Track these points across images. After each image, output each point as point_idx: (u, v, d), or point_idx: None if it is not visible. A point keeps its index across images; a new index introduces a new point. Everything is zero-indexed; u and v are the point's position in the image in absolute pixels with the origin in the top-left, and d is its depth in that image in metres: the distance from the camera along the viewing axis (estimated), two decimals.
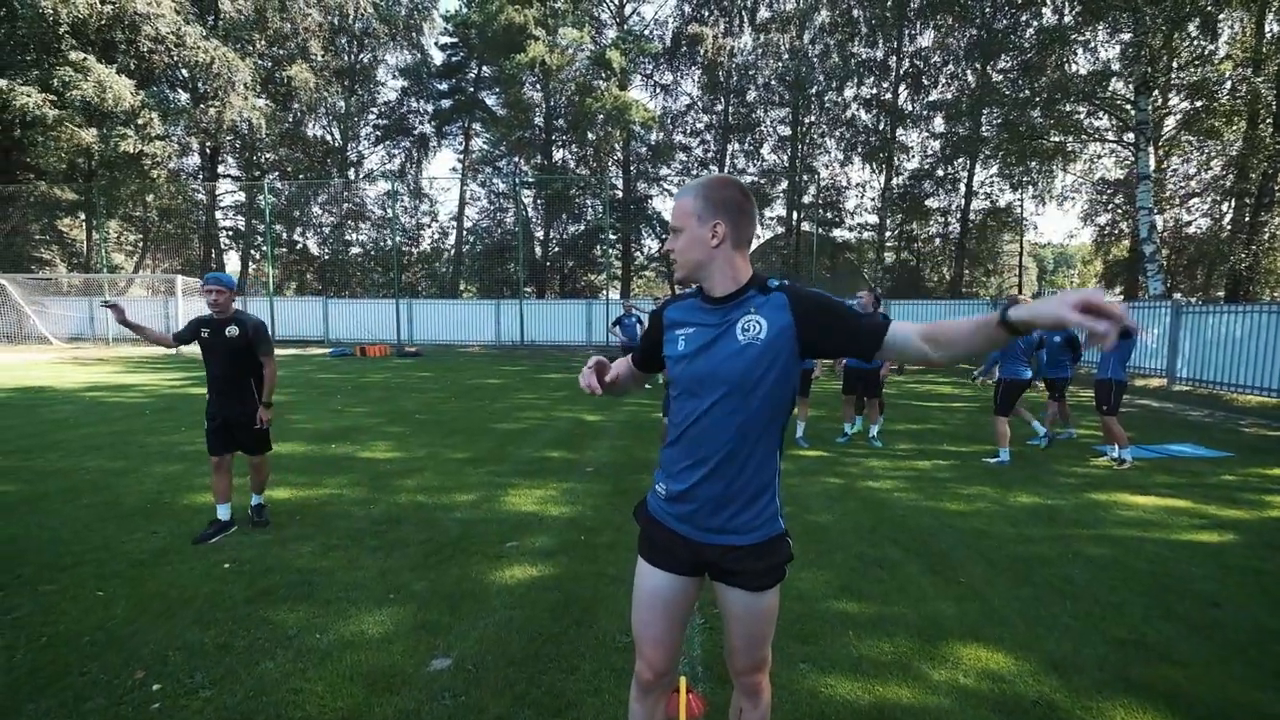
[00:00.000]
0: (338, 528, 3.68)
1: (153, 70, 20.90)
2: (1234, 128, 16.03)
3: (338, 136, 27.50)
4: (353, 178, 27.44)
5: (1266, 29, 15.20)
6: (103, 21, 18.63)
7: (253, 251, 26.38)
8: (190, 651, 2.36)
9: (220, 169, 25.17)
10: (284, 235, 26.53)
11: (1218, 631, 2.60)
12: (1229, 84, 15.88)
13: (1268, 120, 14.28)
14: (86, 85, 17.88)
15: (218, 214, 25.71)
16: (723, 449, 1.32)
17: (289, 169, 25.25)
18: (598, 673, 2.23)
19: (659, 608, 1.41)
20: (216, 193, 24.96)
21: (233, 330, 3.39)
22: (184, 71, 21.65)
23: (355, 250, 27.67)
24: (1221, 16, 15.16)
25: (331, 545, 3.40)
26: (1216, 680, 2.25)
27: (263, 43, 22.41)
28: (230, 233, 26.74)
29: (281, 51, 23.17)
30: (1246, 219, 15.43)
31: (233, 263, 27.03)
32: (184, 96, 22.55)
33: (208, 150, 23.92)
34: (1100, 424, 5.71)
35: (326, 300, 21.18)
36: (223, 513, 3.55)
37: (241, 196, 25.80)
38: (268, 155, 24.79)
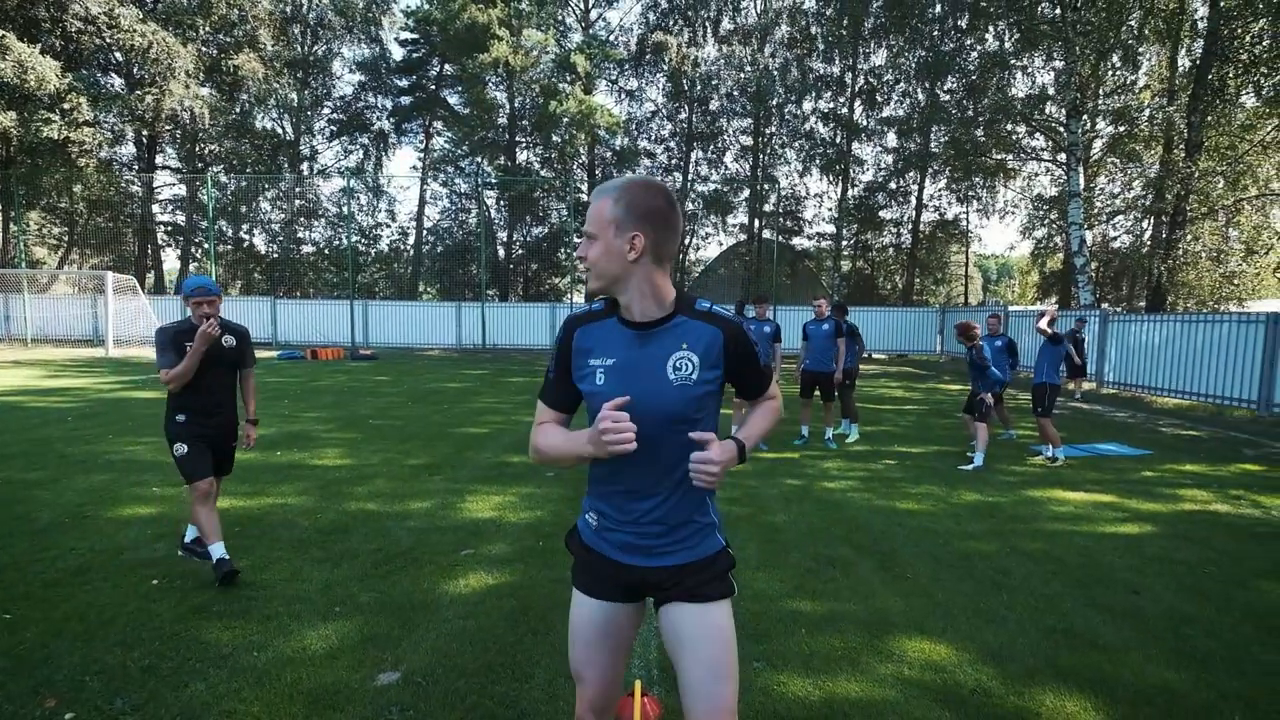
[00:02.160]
0: (281, 539, 3.52)
1: (81, 52, 19.54)
2: (1151, 152, 17.41)
3: (289, 130, 26.39)
4: (306, 173, 26.37)
5: (1178, 63, 16.59)
6: None
7: (193, 249, 24.97)
8: (110, 675, 2.19)
9: (159, 160, 23.71)
10: (228, 232, 25.21)
11: (1137, 618, 2.80)
12: (1147, 112, 17.25)
13: (1180, 146, 15.54)
14: (4, 64, 16.54)
15: (155, 208, 24.20)
16: (657, 482, 1.24)
17: (235, 162, 24.03)
18: (553, 680, 2.21)
19: (599, 640, 1.32)
20: (154, 185, 23.47)
21: (229, 340, 2.98)
22: (118, 55, 20.32)
23: (307, 249, 26.56)
24: (1141, 50, 16.47)
25: (273, 558, 3.24)
26: (1136, 664, 2.41)
27: (207, 29, 21.28)
28: (169, 228, 25.23)
29: (228, 39, 22.05)
30: (1164, 236, 16.74)
31: (170, 260, 25.55)
32: (118, 81, 21.15)
33: (144, 139, 22.51)
34: (1036, 425, 6.06)
35: (275, 300, 20.25)
36: (221, 550, 2.92)
37: (182, 190, 24.38)
38: (211, 147, 23.52)
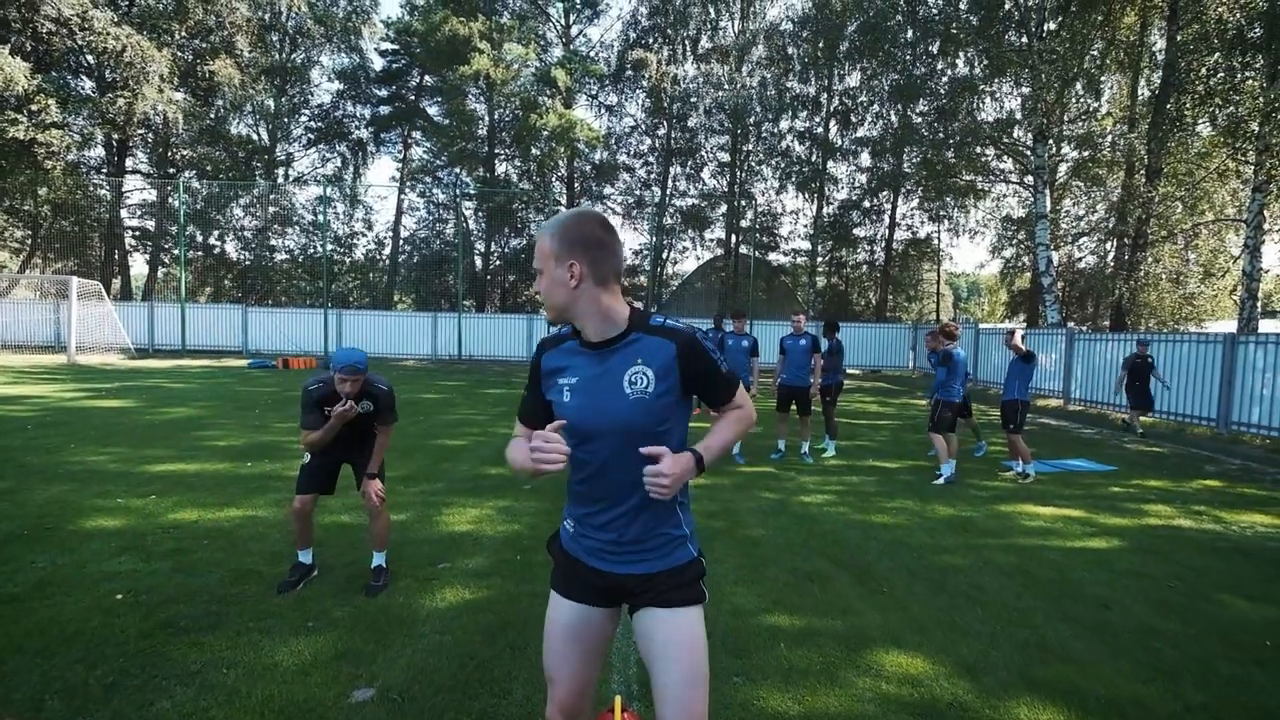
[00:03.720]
0: (251, 552, 3.41)
1: (52, 54, 19.06)
2: (1114, 177, 18.15)
3: (265, 136, 26.00)
4: (281, 180, 25.95)
5: (1139, 93, 17.41)
6: None
7: (163, 255, 24.29)
8: (72, 694, 2.10)
9: (129, 164, 23.09)
10: (199, 238, 24.63)
11: (1108, 631, 2.85)
12: (1110, 138, 18.03)
13: (1141, 171, 16.24)
14: None
15: (124, 212, 23.52)
16: (625, 492, 1.30)
17: (208, 168, 23.55)
18: (531, 696, 2.17)
19: (573, 642, 1.37)
20: (123, 189, 22.83)
21: (367, 405, 2.98)
22: (89, 57, 19.84)
23: (281, 257, 26.07)
24: (1103, 79, 17.25)
25: (243, 571, 3.14)
26: (1107, 676, 2.45)
27: (183, 34, 20.94)
28: (137, 233, 24.55)
29: (204, 44, 21.72)
30: (1126, 258, 17.41)
31: (138, 265, 24.76)
32: (89, 84, 20.63)
33: (114, 143, 21.94)
34: (1007, 441, 6.19)
35: (246, 308, 19.77)
36: (306, 557, 3.11)
37: (152, 194, 23.77)
38: (184, 152, 23.03)
